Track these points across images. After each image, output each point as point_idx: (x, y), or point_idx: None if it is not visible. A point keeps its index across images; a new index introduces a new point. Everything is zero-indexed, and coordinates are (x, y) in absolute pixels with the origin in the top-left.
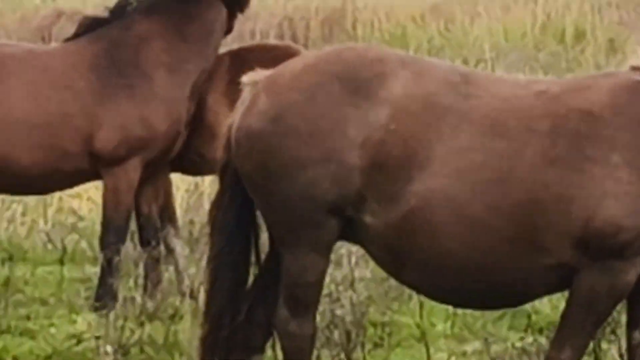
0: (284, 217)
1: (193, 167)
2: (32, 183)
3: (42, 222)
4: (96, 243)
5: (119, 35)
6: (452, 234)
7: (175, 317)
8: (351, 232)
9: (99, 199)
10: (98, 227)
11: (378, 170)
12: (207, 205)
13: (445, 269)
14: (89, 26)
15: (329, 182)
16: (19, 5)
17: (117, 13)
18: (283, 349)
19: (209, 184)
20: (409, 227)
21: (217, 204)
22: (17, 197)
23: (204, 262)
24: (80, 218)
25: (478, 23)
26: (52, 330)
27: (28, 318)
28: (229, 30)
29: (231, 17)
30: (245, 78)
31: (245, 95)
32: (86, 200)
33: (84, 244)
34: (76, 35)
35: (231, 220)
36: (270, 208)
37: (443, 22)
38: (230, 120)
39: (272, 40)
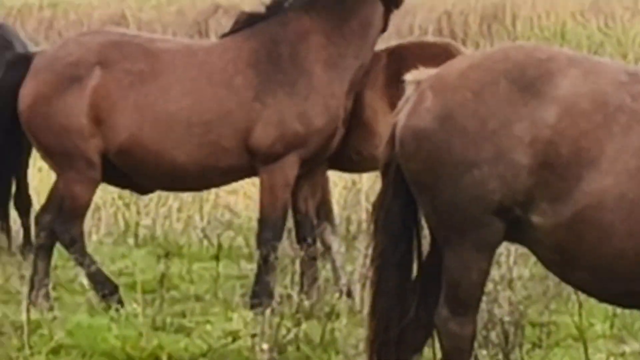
0: (449, 216)
1: (350, 164)
2: (189, 179)
3: (197, 218)
4: (252, 239)
5: (276, 31)
6: (623, 234)
7: (331, 315)
8: (517, 232)
9: (255, 195)
10: (254, 224)
11: (547, 169)
12: (364, 203)
13: (616, 270)
14: (246, 22)
15: (497, 182)
16: None
17: (274, 9)
18: (443, 348)
19: (366, 181)
20: (579, 227)
21: (380, 203)
22: (173, 194)
23: (360, 260)
24: (236, 214)
25: (638, 19)
26: (208, 327)
27: (183, 315)
28: (384, 26)
29: (386, 14)
30: (409, 76)
31: (409, 93)
32: (242, 196)
33: (239, 241)
34: (233, 31)
35: (395, 219)
36: (435, 208)
37: (603, 19)
38: (394, 118)
39: (430, 37)
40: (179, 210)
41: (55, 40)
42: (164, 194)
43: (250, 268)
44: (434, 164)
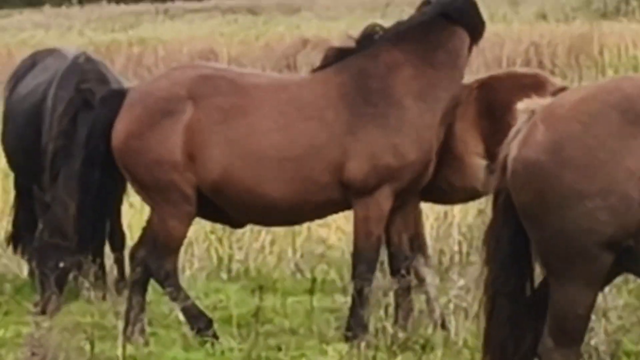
0: (559, 248)
1: (442, 196)
2: (282, 214)
3: (290, 251)
4: (345, 273)
5: (366, 64)
6: None
7: (426, 347)
8: (629, 262)
9: (347, 228)
10: (347, 257)
11: None
12: (456, 235)
13: None
14: (336, 56)
15: (608, 215)
16: (264, 33)
17: (363, 42)
18: None
19: (458, 212)
20: None
21: (491, 232)
22: (265, 228)
23: (455, 291)
24: (329, 247)
25: None
26: None
27: (279, 349)
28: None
29: (471, 45)
30: (521, 105)
31: (520, 123)
32: (335, 229)
33: (332, 274)
34: (323, 66)
35: (505, 248)
36: (545, 239)
37: None
38: (504, 149)
39: (520, 69)
40: (272, 244)
41: (144, 76)
42: (256, 227)
43: (344, 301)
44: (544, 196)
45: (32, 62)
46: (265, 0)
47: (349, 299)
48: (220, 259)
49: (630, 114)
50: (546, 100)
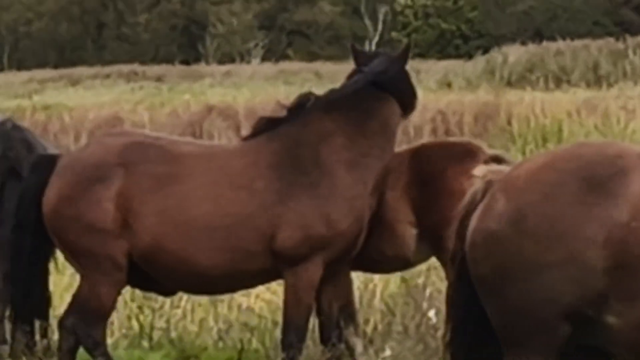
0: (517, 319)
1: (374, 264)
2: (214, 284)
3: (212, 320)
4: (267, 341)
5: (298, 133)
6: None
7: None
8: (588, 333)
9: (267, 296)
10: (269, 325)
11: (621, 270)
12: (377, 304)
13: None
14: (267, 125)
15: (569, 285)
16: (169, 100)
17: (295, 111)
18: None
19: (380, 282)
20: None
21: (449, 294)
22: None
23: None
24: (255, 316)
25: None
26: None
27: None
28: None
29: (402, 116)
30: (477, 171)
31: (476, 189)
32: (255, 297)
33: (254, 342)
34: (254, 134)
35: (460, 313)
36: (502, 310)
37: (599, 117)
38: (459, 213)
39: (451, 138)
40: (193, 311)
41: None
42: (177, 295)
43: None
44: (504, 267)
45: None
46: (167, 67)
47: None
48: (141, 327)
49: (589, 180)
50: (501, 169)
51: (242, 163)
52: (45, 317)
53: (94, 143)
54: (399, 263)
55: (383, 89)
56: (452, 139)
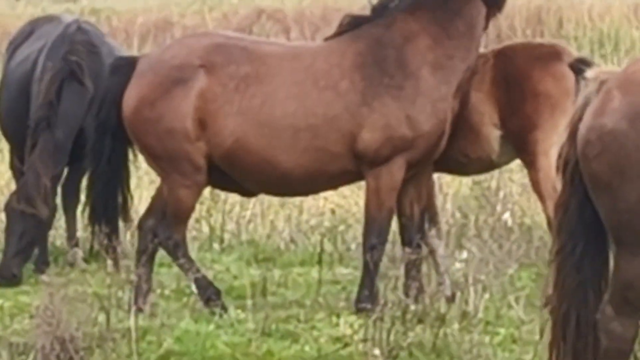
0: (632, 218)
1: (457, 166)
2: (295, 184)
3: (281, 223)
4: (339, 244)
5: (382, 34)
6: None
7: (443, 320)
8: None
9: (336, 200)
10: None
11: None
12: (450, 207)
13: None
14: (351, 24)
15: None
16: (218, 4)
17: (379, 11)
18: (601, 347)
19: (451, 184)
20: None
21: (560, 201)
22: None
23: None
24: (334, 216)
25: None
26: (315, 333)
27: (288, 321)
28: (484, 28)
29: (489, 15)
30: (590, 74)
31: (589, 91)
32: (323, 200)
33: (328, 245)
34: (338, 34)
35: (572, 218)
36: (616, 209)
37: None
38: (573, 116)
39: (538, 39)
40: (262, 215)
41: None
42: (246, 198)
43: (345, 272)
44: (620, 165)
45: (30, 30)
46: None
47: (350, 271)
48: (212, 230)
49: None
50: (613, 71)
51: (326, 63)
52: (125, 218)
53: (175, 44)
54: (483, 165)
55: None
56: (538, 40)
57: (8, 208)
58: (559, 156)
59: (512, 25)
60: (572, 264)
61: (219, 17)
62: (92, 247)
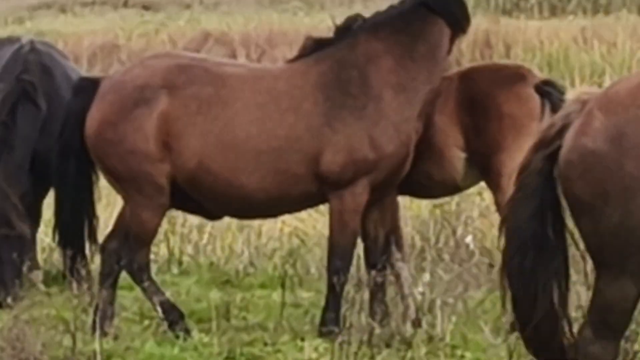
0: (614, 240)
1: (421, 190)
2: (258, 207)
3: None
4: (299, 267)
5: (345, 55)
6: None
7: (410, 343)
8: None
9: (293, 223)
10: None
11: None
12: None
13: None
14: (314, 46)
15: None
16: (164, 28)
17: (342, 32)
18: None
19: (410, 206)
20: None
21: (510, 208)
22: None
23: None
24: (303, 242)
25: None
26: (280, 356)
27: (252, 345)
28: (449, 50)
29: (453, 38)
30: (571, 95)
31: (569, 111)
32: (280, 223)
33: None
34: (301, 56)
35: (523, 226)
36: (598, 231)
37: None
38: (548, 131)
39: (502, 60)
40: (221, 238)
41: None
42: (204, 221)
43: (306, 296)
44: (603, 186)
45: None
46: None
47: (312, 294)
48: (170, 252)
49: None
50: (594, 91)
51: (288, 85)
52: (93, 241)
53: (137, 65)
54: (447, 188)
55: (432, 10)
56: (502, 62)
57: None
58: (521, 165)
59: (459, 49)
60: (520, 273)
61: (165, 40)
62: (64, 268)
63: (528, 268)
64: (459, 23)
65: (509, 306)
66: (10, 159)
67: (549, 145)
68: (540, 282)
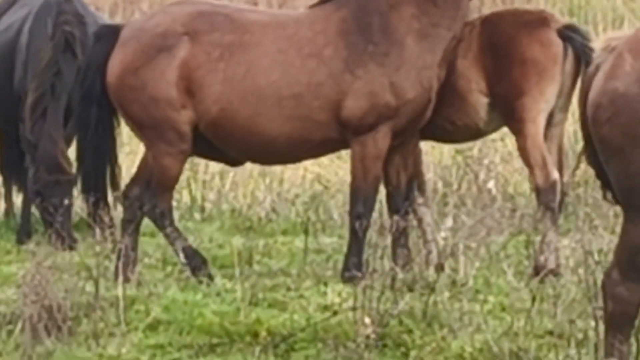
0: None
1: (444, 134)
2: (280, 152)
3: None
4: (321, 214)
5: (367, 1)
6: None
7: (432, 288)
8: None
9: (316, 170)
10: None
11: None
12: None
13: None
14: None
15: None
16: None
17: None
18: (607, 311)
19: (432, 153)
20: None
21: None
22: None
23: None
24: (325, 188)
25: None
26: (303, 302)
27: (275, 290)
28: None
29: None
30: (600, 42)
31: (601, 57)
32: (303, 170)
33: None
34: (322, 2)
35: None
36: (627, 174)
37: None
38: (584, 81)
39: (524, 5)
40: (243, 185)
41: None
42: (225, 169)
43: (328, 242)
44: (632, 129)
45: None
46: None
47: (334, 240)
48: (193, 199)
49: None
50: (622, 36)
51: (310, 31)
52: (114, 187)
53: (159, 12)
54: (470, 132)
55: None
56: (524, 7)
57: (39, 183)
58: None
59: None
60: None
61: None
62: (88, 214)
63: None
64: None
65: None
66: (58, 107)
67: (586, 94)
68: None
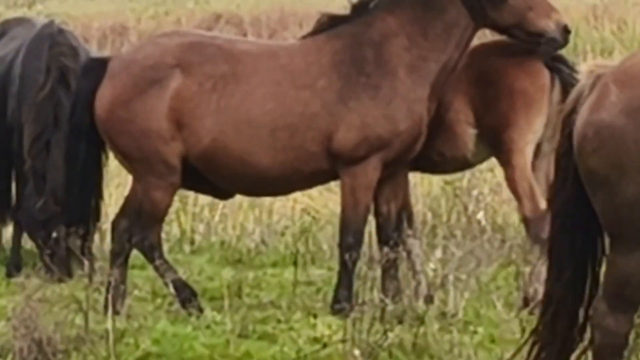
0: (630, 213)
1: (432, 166)
2: (271, 184)
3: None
4: (311, 245)
5: (360, 32)
6: None
7: (422, 319)
8: None
9: (304, 201)
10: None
11: None
12: (421, 207)
13: None
14: (328, 23)
15: None
16: (174, 9)
17: (357, 10)
18: (595, 343)
19: (421, 184)
20: None
21: (555, 193)
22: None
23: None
24: (315, 219)
25: None
26: (293, 334)
27: (264, 322)
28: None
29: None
30: (584, 67)
31: (584, 85)
32: (292, 201)
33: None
34: (315, 32)
35: (570, 210)
36: (614, 205)
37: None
38: (566, 109)
39: None
40: (233, 216)
41: None
42: (215, 200)
43: (318, 273)
44: (619, 160)
45: (1, 31)
46: None
47: (324, 271)
48: (182, 231)
49: None
50: (607, 64)
51: (304, 62)
52: (95, 221)
53: (148, 44)
54: (458, 164)
55: None
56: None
57: (45, 214)
58: (556, 150)
59: None
60: (567, 256)
61: (175, 22)
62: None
63: (571, 249)
64: (477, 4)
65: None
66: (60, 138)
67: (568, 124)
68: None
